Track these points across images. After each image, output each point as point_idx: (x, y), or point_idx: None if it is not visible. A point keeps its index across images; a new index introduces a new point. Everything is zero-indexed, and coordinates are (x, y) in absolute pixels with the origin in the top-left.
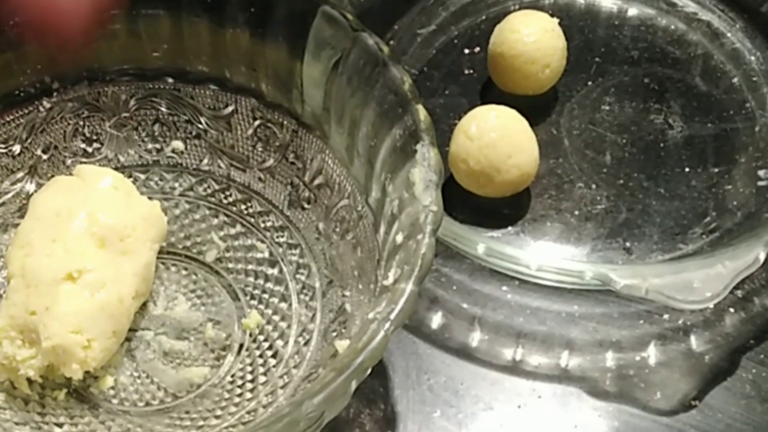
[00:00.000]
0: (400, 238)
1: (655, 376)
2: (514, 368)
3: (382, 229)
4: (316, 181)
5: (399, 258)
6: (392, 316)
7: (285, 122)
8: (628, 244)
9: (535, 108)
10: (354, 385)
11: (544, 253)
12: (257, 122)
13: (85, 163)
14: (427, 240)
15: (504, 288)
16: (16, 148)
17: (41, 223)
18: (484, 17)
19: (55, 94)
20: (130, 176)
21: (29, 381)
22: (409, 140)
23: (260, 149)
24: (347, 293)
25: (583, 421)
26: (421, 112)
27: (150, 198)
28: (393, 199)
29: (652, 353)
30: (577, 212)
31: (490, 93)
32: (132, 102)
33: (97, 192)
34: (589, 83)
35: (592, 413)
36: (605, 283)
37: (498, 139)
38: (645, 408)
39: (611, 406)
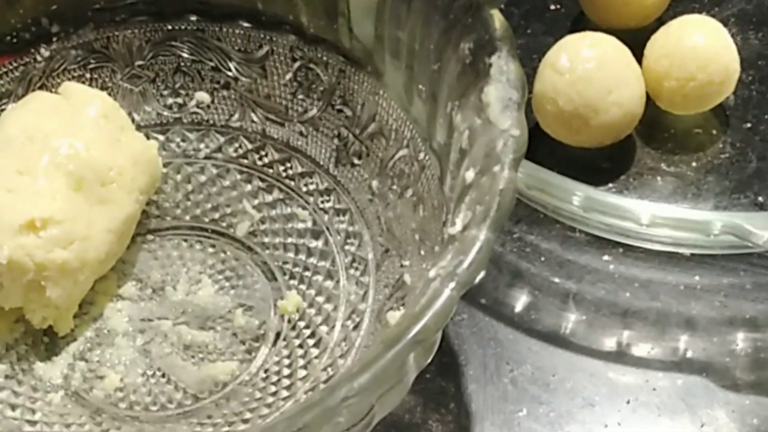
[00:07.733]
0: (470, 175)
1: None
2: (621, 355)
3: (449, 177)
4: (369, 130)
5: (469, 199)
6: (460, 270)
7: (330, 61)
8: (760, 198)
9: (639, 43)
10: (412, 365)
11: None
12: (297, 64)
13: None
14: (506, 173)
15: (605, 257)
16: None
17: (9, 148)
18: None
19: (54, 39)
20: (147, 138)
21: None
22: (480, 54)
23: (301, 97)
24: (406, 262)
25: (711, 418)
26: (497, 18)
27: (170, 163)
28: (462, 131)
29: None
30: (694, 163)
31: (583, 29)
32: (147, 48)
33: (82, 118)
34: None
35: (723, 408)
36: (741, 238)
37: (594, 70)
38: None
39: (747, 398)
